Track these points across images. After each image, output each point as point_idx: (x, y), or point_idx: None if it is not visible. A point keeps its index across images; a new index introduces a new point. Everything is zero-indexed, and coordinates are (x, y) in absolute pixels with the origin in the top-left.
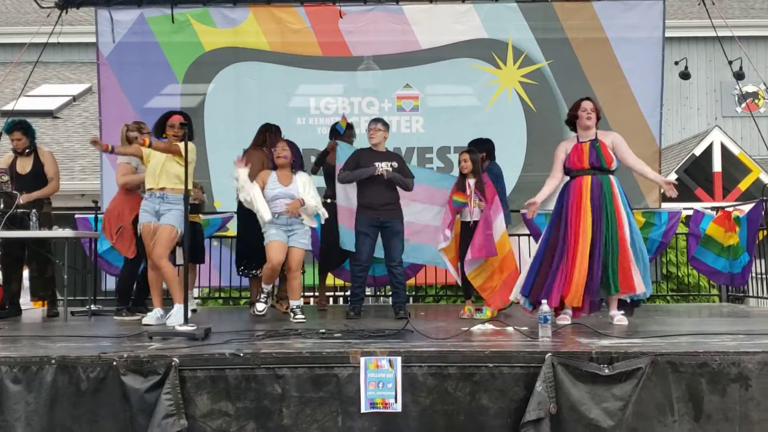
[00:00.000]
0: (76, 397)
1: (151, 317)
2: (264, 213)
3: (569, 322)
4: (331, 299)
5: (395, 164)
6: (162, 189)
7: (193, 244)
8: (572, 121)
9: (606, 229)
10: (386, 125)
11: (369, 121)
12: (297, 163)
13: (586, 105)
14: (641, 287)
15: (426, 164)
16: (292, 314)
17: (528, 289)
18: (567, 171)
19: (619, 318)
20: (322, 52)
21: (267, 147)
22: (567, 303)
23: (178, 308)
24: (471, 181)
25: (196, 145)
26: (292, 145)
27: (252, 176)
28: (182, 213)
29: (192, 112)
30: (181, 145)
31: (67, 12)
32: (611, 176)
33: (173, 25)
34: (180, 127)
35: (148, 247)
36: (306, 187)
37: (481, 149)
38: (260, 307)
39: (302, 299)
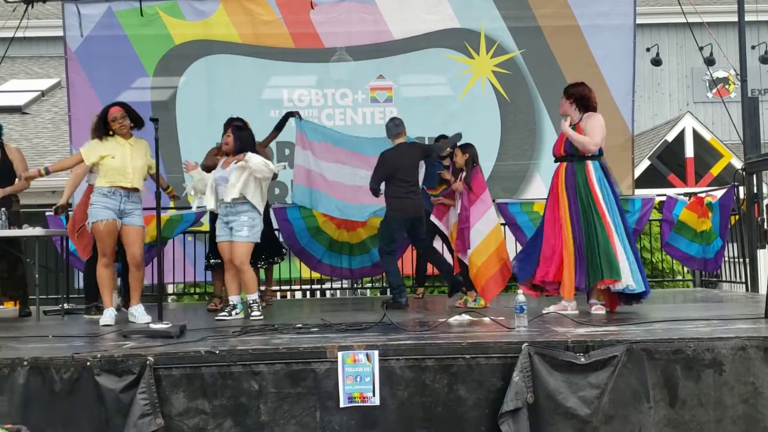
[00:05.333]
0: (49, 399)
1: (109, 317)
2: (207, 202)
3: (604, 311)
4: (308, 293)
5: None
6: (134, 189)
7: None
8: None
9: (584, 217)
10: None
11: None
12: (245, 150)
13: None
14: (628, 280)
15: None
16: (249, 310)
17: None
18: None
19: (597, 307)
20: (294, 44)
21: None
22: (564, 296)
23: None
24: (462, 174)
25: (167, 140)
26: (242, 131)
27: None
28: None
29: (163, 105)
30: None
31: (33, 6)
32: (589, 162)
33: (142, 19)
34: (122, 118)
35: (103, 243)
36: (249, 160)
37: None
38: (222, 315)
39: (257, 293)
